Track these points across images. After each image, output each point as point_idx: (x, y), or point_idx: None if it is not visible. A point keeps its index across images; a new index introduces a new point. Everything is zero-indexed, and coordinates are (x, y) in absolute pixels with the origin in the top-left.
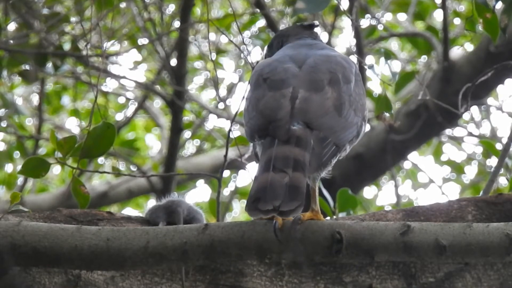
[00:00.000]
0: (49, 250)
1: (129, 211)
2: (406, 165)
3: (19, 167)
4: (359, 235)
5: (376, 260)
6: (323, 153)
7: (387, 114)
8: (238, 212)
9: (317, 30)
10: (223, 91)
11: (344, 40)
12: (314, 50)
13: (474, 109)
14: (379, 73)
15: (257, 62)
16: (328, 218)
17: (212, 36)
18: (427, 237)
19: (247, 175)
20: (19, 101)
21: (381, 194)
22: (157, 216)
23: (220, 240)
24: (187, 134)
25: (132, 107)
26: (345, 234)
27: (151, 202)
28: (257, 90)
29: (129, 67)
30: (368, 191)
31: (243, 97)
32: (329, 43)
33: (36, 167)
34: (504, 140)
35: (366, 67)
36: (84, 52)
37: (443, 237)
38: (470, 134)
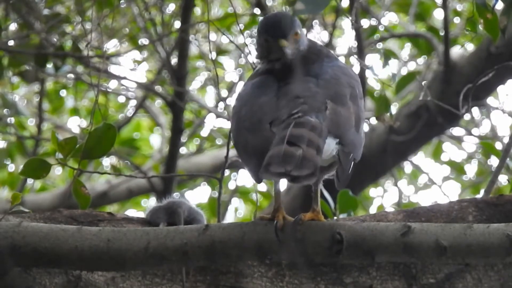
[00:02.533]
0: (50, 250)
1: (131, 212)
2: (407, 166)
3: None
4: (360, 236)
5: (376, 261)
6: (348, 168)
7: (387, 115)
8: (242, 212)
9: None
10: (223, 91)
11: (344, 41)
12: (333, 60)
13: (475, 109)
14: (378, 75)
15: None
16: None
17: (213, 36)
18: (428, 238)
19: (247, 175)
20: (19, 102)
21: (382, 194)
22: (158, 217)
23: (220, 240)
24: (187, 133)
25: (132, 107)
26: (346, 235)
27: (151, 202)
28: None
29: (130, 67)
30: (371, 192)
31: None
32: (330, 43)
33: (37, 168)
34: (505, 140)
35: (366, 68)
36: (85, 53)
37: (444, 238)
38: (469, 133)
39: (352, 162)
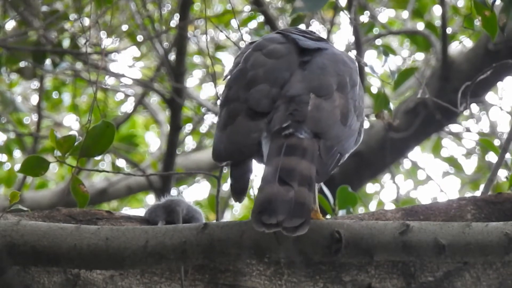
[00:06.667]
0: (48, 249)
1: (128, 211)
2: (406, 163)
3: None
4: (358, 235)
5: (375, 259)
6: (329, 162)
7: (386, 112)
8: (238, 210)
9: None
10: (222, 88)
11: (343, 36)
12: (327, 47)
13: (473, 106)
14: (378, 72)
15: None
16: (328, 216)
17: (211, 32)
18: (426, 237)
19: None
20: (18, 99)
21: (382, 191)
22: (156, 216)
23: (219, 239)
24: (186, 129)
25: (131, 103)
26: (344, 234)
27: (149, 200)
28: None
29: (128, 64)
30: (369, 188)
31: None
32: (328, 39)
33: (35, 166)
34: (503, 136)
35: (365, 65)
36: (83, 50)
37: (442, 236)
38: (467, 130)
39: (338, 156)
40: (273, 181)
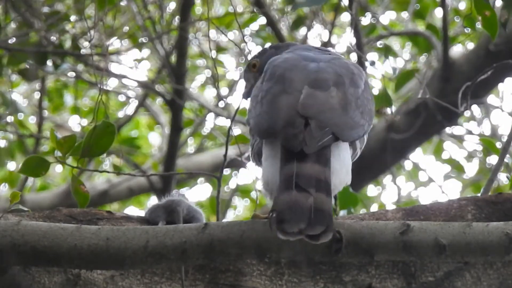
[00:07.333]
0: (49, 249)
1: (131, 210)
2: (407, 164)
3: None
4: (359, 235)
5: (375, 259)
6: (319, 137)
7: (387, 109)
8: (241, 210)
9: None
10: (223, 89)
11: (344, 38)
12: (325, 54)
13: (474, 108)
14: (379, 70)
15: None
16: None
17: (213, 33)
18: (427, 237)
19: (248, 174)
20: (19, 100)
21: (383, 192)
22: (157, 216)
23: (219, 239)
24: (188, 131)
25: (132, 105)
26: (345, 234)
27: (152, 201)
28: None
29: (130, 66)
30: (371, 189)
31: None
32: (329, 41)
33: (36, 166)
34: (504, 138)
35: (367, 63)
36: (85, 51)
37: (443, 236)
38: (469, 132)
39: (331, 136)
40: (290, 188)
